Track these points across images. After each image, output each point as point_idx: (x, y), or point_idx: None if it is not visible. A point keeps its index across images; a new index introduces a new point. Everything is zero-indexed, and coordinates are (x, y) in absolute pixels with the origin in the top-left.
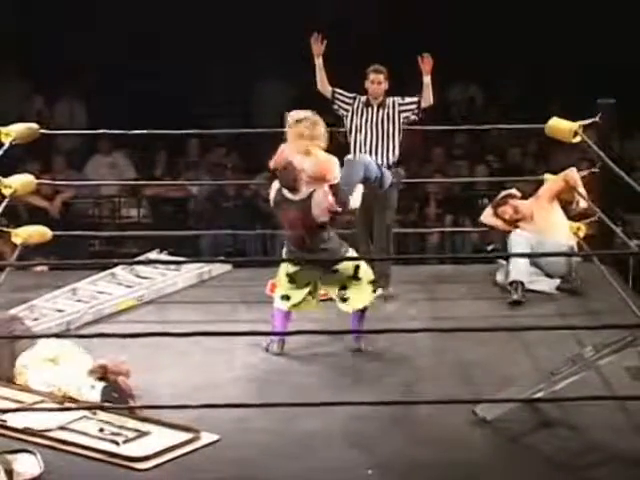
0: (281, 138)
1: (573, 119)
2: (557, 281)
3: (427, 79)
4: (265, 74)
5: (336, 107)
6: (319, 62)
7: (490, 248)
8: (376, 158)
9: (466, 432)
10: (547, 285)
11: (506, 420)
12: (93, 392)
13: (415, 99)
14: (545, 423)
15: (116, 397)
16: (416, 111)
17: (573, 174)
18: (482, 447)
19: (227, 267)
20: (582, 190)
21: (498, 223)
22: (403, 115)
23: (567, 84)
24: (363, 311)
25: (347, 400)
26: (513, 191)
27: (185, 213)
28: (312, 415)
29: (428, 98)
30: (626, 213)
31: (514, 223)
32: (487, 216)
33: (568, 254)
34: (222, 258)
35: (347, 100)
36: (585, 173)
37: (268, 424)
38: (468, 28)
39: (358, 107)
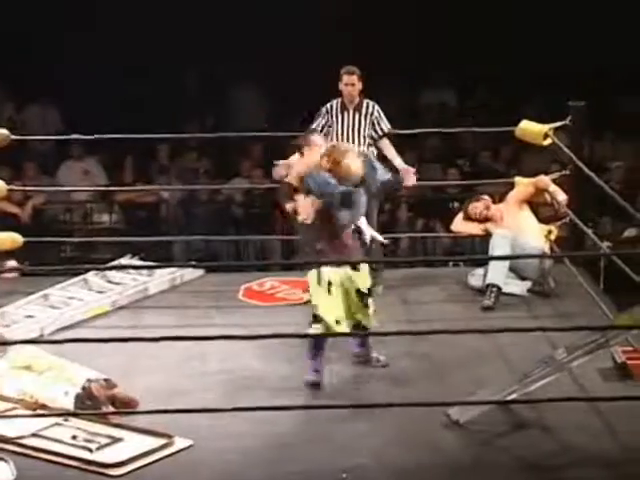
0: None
1: (544, 122)
2: (528, 283)
3: (398, 161)
4: (239, 78)
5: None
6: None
7: None
8: None
9: (439, 434)
10: (519, 288)
11: (479, 422)
12: (66, 399)
13: (385, 124)
14: (518, 425)
15: (89, 404)
16: (380, 129)
17: (543, 179)
18: (455, 449)
19: (199, 272)
20: (555, 188)
21: (469, 229)
22: (370, 128)
23: (538, 87)
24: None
25: (323, 404)
26: (483, 197)
27: (157, 218)
28: (287, 419)
29: (388, 150)
30: (597, 215)
31: (484, 222)
32: (457, 224)
33: (540, 256)
34: (194, 263)
35: (324, 120)
36: (556, 176)
37: (243, 428)
38: (441, 32)
39: (334, 115)
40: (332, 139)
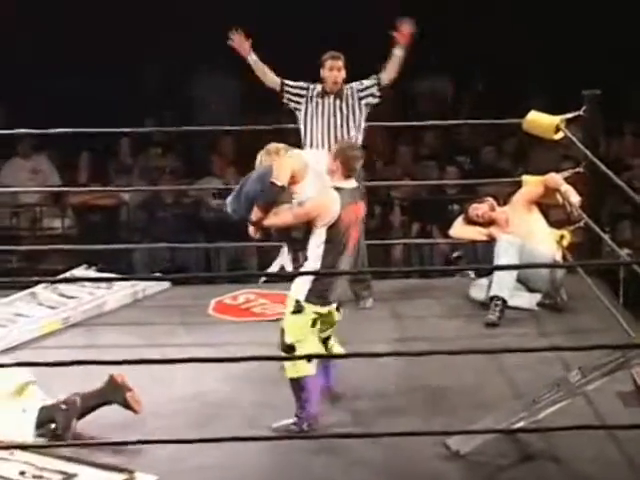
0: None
1: (555, 113)
2: (538, 296)
3: (400, 52)
4: (206, 67)
5: (286, 100)
6: (252, 58)
7: (455, 255)
8: None
9: (438, 467)
10: (528, 300)
11: (482, 453)
12: (25, 416)
13: (373, 81)
14: (527, 456)
15: (53, 428)
16: (377, 93)
17: (553, 177)
18: None
19: (164, 285)
20: (567, 188)
21: (470, 234)
22: (364, 102)
23: (548, 75)
24: None
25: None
26: (487, 198)
27: (116, 224)
28: (263, 450)
29: (394, 71)
30: (615, 219)
31: (488, 226)
32: (457, 228)
33: (551, 265)
34: (159, 275)
35: (299, 91)
36: (569, 174)
37: (212, 461)
38: (438, 17)
39: (312, 98)
40: (304, 125)
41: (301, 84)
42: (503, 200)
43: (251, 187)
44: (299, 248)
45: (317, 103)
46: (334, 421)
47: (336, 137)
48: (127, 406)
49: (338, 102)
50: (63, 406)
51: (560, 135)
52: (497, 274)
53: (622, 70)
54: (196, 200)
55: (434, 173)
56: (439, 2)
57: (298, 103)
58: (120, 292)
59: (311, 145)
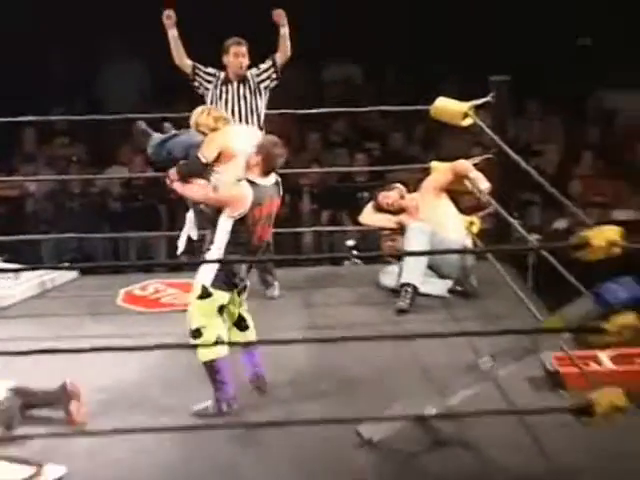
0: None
1: (464, 99)
2: (449, 282)
3: (284, 30)
4: (112, 55)
5: (197, 84)
6: (173, 33)
7: (351, 244)
8: None
9: (349, 455)
10: (438, 287)
11: (394, 440)
12: None
13: (269, 62)
14: (438, 442)
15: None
16: (274, 75)
17: (462, 163)
18: (367, 472)
19: (72, 275)
20: (476, 174)
21: (380, 221)
22: (263, 85)
23: (458, 61)
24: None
25: (213, 423)
26: (395, 185)
27: (22, 214)
28: (172, 442)
29: (286, 50)
30: (524, 205)
31: (398, 214)
32: (367, 215)
33: (461, 251)
34: (67, 265)
35: (208, 77)
36: (478, 160)
37: (122, 454)
38: (347, 2)
39: (217, 85)
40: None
41: (210, 70)
42: (413, 187)
43: (177, 149)
44: (206, 224)
45: (221, 91)
46: (246, 409)
47: (241, 124)
48: (68, 415)
49: (242, 89)
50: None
51: (468, 121)
52: (407, 261)
53: (531, 55)
54: (103, 190)
55: (343, 160)
56: None
57: (206, 89)
58: (27, 283)
59: None
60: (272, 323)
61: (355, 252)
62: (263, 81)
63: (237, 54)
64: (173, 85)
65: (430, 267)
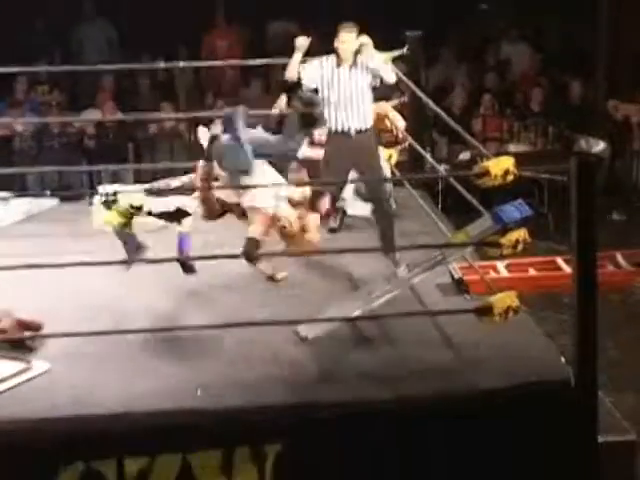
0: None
1: (381, 51)
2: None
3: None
4: (84, 14)
5: (305, 87)
6: (299, 56)
7: None
8: (350, 123)
9: (288, 351)
10: (364, 209)
11: (327, 338)
12: None
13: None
14: (364, 339)
15: None
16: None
17: (382, 105)
18: (303, 364)
19: (54, 202)
20: (394, 114)
21: (314, 154)
22: (368, 80)
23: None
24: None
25: (174, 325)
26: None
27: (10, 151)
28: (141, 340)
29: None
30: (434, 140)
31: None
32: (303, 150)
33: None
34: (49, 192)
35: (314, 72)
36: (395, 102)
37: (99, 350)
38: None
39: (327, 71)
40: (323, 100)
41: (314, 62)
42: None
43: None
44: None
45: (333, 77)
46: (204, 312)
47: (352, 108)
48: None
49: (353, 73)
50: None
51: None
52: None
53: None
54: (79, 130)
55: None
56: None
57: (315, 82)
58: (15, 209)
59: (330, 119)
60: (222, 238)
61: None
62: (371, 77)
63: (342, 41)
64: (137, 39)
65: (356, 193)
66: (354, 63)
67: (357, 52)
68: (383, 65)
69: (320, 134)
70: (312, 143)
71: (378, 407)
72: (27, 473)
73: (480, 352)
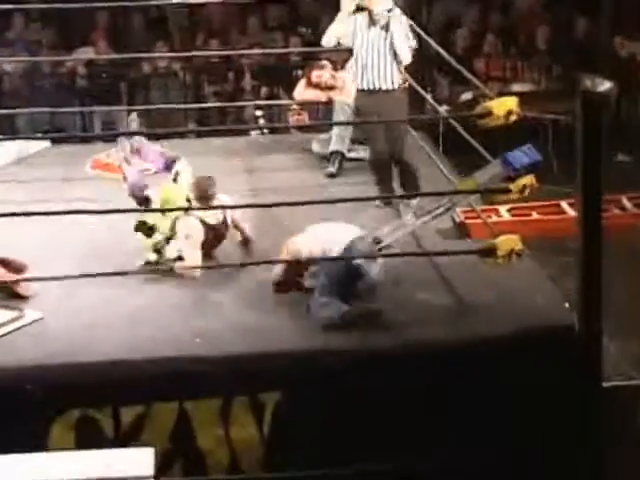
0: None
1: None
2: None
3: None
4: None
5: (326, 42)
6: (339, 25)
7: (259, 114)
8: (377, 83)
9: (288, 296)
10: (364, 153)
11: None
12: None
13: (411, 43)
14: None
15: None
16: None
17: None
18: (304, 310)
19: (46, 144)
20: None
21: (312, 95)
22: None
23: None
24: None
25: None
26: (324, 62)
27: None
28: (136, 288)
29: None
30: (434, 81)
31: (328, 91)
32: (300, 91)
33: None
34: (40, 135)
35: (346, 28)
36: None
37: (93, 300)
38: None
39: (358, 30)
40: (353, 54)
41: (346, 19)
42: (340, 65)
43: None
44: None
45: (364, 32)
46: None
47: (380, 65)
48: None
49: (384, 30)
50: None
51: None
52: (336, 131)
53: None
54: (71, 70)
55: (279, 43)
56: None
57: (346, 37)
58: (6, 151)
59: (358, 75)
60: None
61: (262, 121)
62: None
63: (374, 1)
64: None
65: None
66: (384, 25)
67: (389, 11)
68: (405, 45)
69: (317, 75)
70: (310, 84)
71: (380, 354)
72: (20, 421)
73: (483, 296)
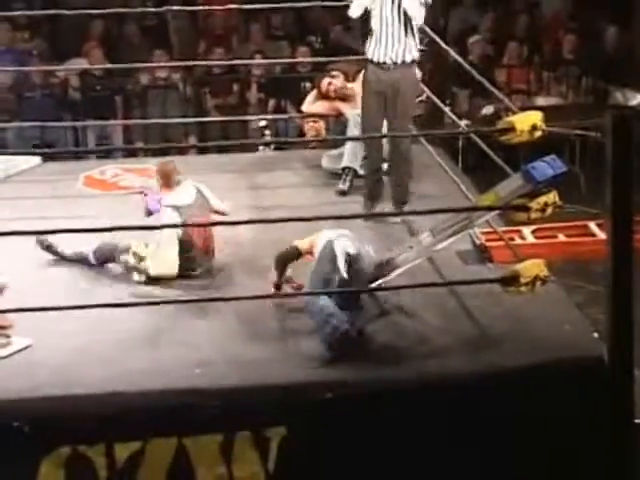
0: None
1: None
2: (385, 165)
3: None
4: None
5: (352, 13)
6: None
7: (263, 124)
8: (390, 55)
9: (293, 325)
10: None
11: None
12: None
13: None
14: (382, 311)
15: None
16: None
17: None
18: (311, 340)
19: (36, 160)
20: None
21: (321, 108)
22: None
23: None
24: None
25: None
26: (335, 73)
27: None
28: (129, 317)
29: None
30: (454, 93)
31: (340, 102)
32: (309, 104)
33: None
34: (30, 150)
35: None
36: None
37: (83, 326)
38: None
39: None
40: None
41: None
42: (352, 77)
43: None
44: None
45: (380, 10)
46: (195, 286)
47: (399, 38)
48: None
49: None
50: None
51: None
52: (347, 147)
53: None
54: (63, 81)
55: (286, 52)
56: None
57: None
58: None
59: (374, 46)
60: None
61: (267, 132)
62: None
63: None
64: None
65: None
66: None
67: None
68: (414, 3)
69: (328, 82)
70: (320, 95)
71: (394, 387)
72: (6, 458)
73: (505, 326)
